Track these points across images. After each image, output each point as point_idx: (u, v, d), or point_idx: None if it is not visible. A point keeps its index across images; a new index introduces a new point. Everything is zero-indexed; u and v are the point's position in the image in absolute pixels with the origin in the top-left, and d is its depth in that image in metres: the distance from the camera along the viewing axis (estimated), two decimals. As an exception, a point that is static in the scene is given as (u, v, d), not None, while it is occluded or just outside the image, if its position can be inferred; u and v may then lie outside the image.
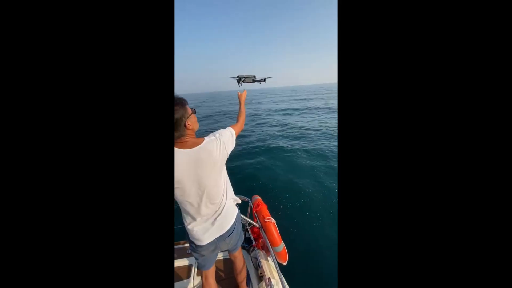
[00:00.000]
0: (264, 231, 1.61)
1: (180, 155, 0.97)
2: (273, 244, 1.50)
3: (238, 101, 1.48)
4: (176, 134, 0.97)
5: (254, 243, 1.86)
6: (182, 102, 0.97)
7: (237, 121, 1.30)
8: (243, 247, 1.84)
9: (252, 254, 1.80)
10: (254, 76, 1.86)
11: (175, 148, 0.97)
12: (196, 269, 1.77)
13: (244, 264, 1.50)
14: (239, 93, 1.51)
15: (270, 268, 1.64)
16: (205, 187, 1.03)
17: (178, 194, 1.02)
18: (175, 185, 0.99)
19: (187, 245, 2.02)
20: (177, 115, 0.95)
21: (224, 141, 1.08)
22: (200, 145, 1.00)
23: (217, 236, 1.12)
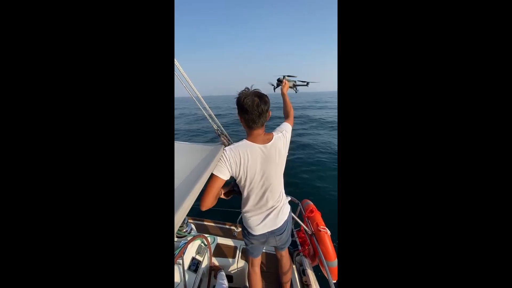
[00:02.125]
0: (317, 241, 1.50)
1: (254, 149, 0.99)
2: (327, 258, 1.38)
3: (282, 97, 1.42)
4: (260, 121, 0.97)
5: (300, 248, 1.78)
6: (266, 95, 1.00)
7: (289, 116, 1.27)
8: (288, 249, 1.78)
9: (297, 259, 1.73)
10: (295, 81, 1.53)
11: (250, 142, 0.99)
12: (240, 253, 1.82)
13: (290, 265, 1.45)
14: (281, 86, 1.46)
15: (314, 279, 1.54)
16: (270, 182, 1.05)
17: (245, 184, 1.04)
18: (247, 176, 1.01)
19: (233, 227, 2.10)
20: (267, 106, 0.97)
21: (288, 138, 1.10)
22: (271, 142, 1.01)
23: (270, 230, 1.14)
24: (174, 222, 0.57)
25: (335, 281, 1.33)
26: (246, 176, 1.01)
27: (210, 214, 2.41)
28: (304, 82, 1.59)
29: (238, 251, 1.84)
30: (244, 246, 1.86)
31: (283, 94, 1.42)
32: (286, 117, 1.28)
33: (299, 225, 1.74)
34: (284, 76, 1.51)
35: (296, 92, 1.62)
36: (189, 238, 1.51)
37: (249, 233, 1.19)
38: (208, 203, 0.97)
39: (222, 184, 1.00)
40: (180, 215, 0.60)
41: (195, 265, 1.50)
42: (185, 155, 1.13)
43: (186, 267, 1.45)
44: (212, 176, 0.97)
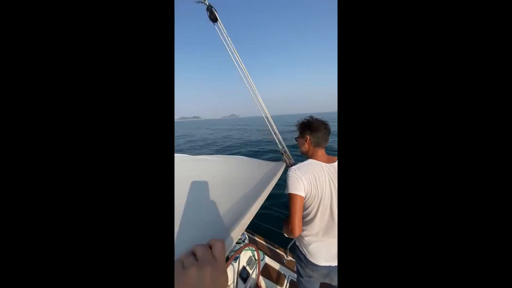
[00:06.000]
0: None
1: (323, 167, 0.97)
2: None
3: None
4: (327, 141, 1.03)
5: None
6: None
7: None
8: None
9: None
10: None
11: (317, 161, 0.99)
12: (288, 284, 1.67)
13: None
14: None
15: None
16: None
17: (315, 205, 0.96)
18: (318, 194, 0.95)
19: (282, 253, 1.91)
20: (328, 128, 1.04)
21: None
22: (336, 162, 0.99)
23: (335, 264, 0.96)
24: (238, 230, 0.53)
25: None
26: (317, 194, 0.94)
27: (260, 230, 2.38)
28: None
29: (286, 281, 1.68)
30: (294, 279, 1.65)
31: None
32: None
33: None
34: None
35: None
36: (242, 245, 1.52)
37: (307, 260, 1.00)
38: (299, 225, 0.89)
39: (303, 202, 0.94)
40: (245, 221, 0.58)
41: (245, 274, 1.54)
42: (249, 168, 1.15)
43: (238, 273, 1.50)
44: (291, 196, 0.92)
